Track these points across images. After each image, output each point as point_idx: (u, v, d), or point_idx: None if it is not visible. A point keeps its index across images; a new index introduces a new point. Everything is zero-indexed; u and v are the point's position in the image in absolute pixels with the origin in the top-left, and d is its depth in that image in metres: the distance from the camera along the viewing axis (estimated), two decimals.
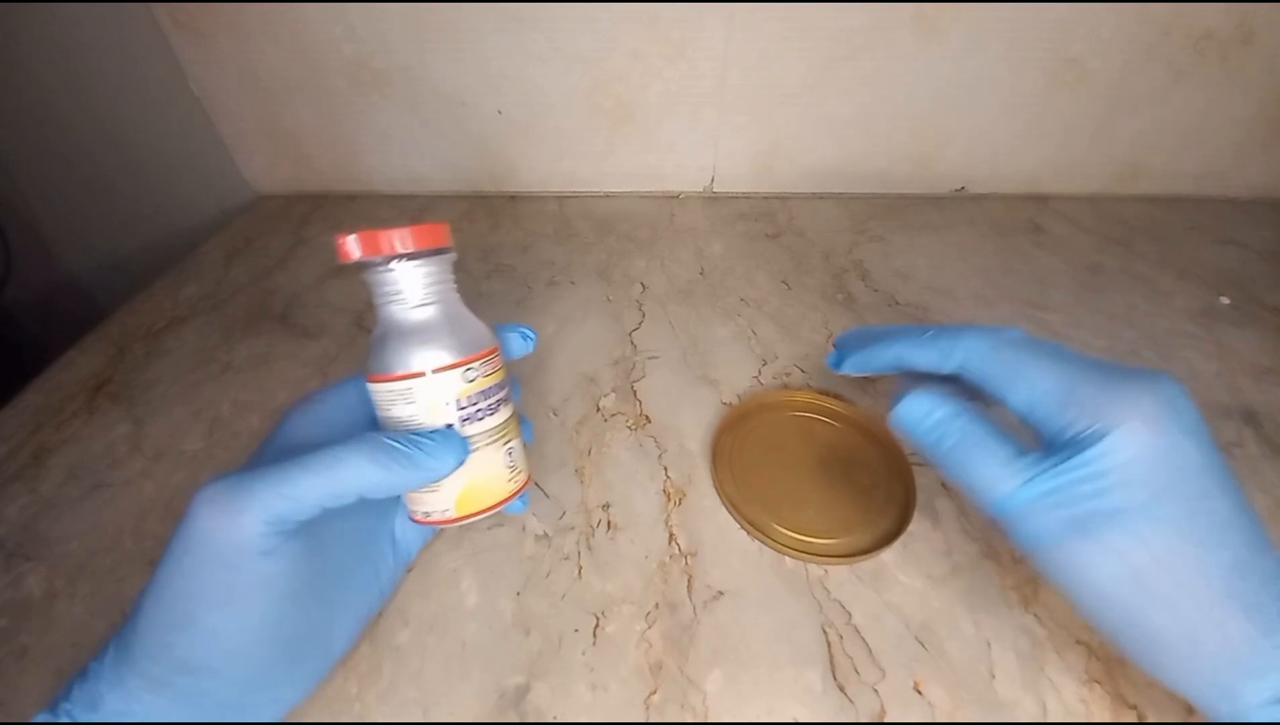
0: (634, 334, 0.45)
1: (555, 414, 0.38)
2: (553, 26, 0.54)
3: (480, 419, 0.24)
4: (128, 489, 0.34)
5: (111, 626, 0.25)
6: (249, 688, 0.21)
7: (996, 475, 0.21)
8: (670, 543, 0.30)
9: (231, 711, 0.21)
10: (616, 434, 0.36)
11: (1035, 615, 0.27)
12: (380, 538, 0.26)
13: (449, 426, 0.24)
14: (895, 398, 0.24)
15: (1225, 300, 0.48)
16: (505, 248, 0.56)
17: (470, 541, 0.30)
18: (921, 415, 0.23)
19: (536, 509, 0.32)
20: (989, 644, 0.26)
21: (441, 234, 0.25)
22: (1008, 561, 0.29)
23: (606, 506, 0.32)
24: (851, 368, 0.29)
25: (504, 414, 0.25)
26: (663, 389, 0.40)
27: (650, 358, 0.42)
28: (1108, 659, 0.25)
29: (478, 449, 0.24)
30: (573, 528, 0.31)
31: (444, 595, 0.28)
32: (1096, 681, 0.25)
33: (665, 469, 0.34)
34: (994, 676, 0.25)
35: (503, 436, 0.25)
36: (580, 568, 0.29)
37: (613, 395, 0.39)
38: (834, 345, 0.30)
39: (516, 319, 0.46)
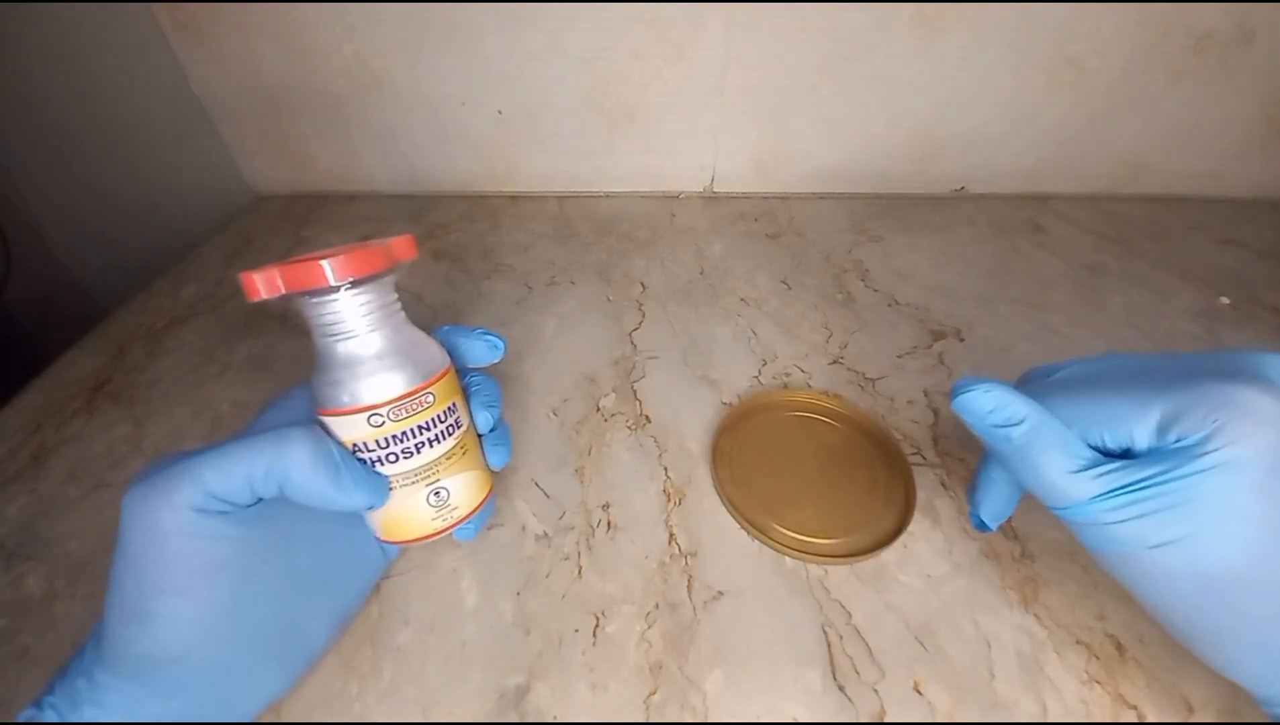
0: (634, 334, 0.45)
1: (555, 414, 0.38)
2: (553, 26, 0.54)
3: (393, 462, 0.23)
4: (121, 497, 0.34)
5: None
6: (221, 677, 0.21)
7: (1062, 486, 0.20)
8: (670, 543, 0.30)
9: (209, 700, 0.21)
10: (616, 434, 0.36)
11: (1035, 615, 0.27)
12: (360, 533, 0.26)
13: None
14: (957, 387, 0.23)
15: (1225, 300, 0.48)
16: (505, 248, 0.56)
17: (470, 541, 0.30)
18: (983, 414, 0.22)
19: (536, 509, 0.32)
20: (989, 644, 0.26)
21: (366, 261, 0.21)
22: (1008, 561, 0.29)
23: (606, 506, 0.32)
24: (998, 519, 0.27)
25: (430, 454, 0.23)
26: (663, 389, 0.40)
27: (650, 358, 0.42)
28: (1108, 659, 0.25)
29: (392, 489, 0.23)
30: (573, 528, 0.31)
31: (444, 595, 0.28)
32: (1096, 681, 0.25)
33: (665, 469, 0.34)
34: (994, 676, 0.25)
35: (426, 477, 0.24)
36: (580, 568, 0.29)
37: (613, 395, 0.39)
38: (973, 517, 0.27)
39: (517, 319, 0.46)
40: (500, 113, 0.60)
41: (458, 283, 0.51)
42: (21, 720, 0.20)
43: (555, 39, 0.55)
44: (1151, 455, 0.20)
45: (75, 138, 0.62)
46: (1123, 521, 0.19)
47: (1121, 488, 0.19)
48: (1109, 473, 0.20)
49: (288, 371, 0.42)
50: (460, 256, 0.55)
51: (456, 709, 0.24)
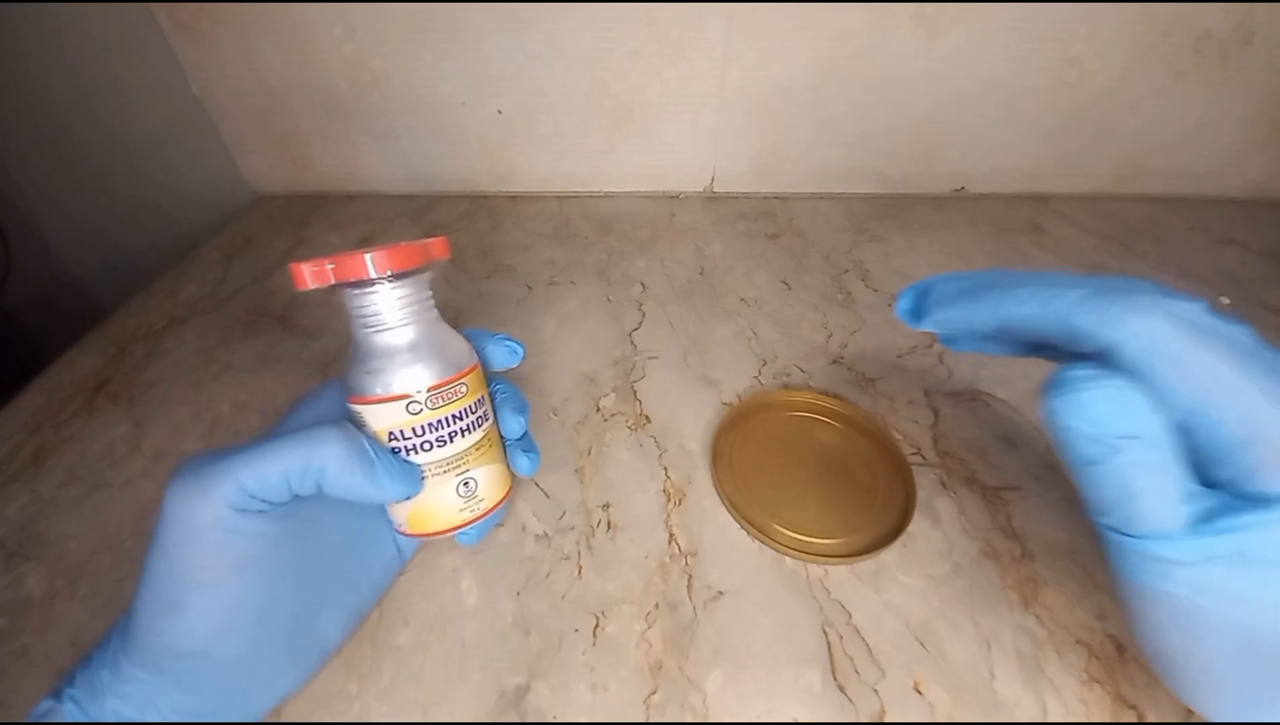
0: (634, 334, 0.45)
1: (555, 414, 0.38)
2: (553, 26, 0.54)
3: (427, 450, 0.24)
4: (128, 489, 0.34)
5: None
6: (240, 672, 0.21)
7: (1160, 514, 0.17)
8: (670, 543, 0.30)
9: (226, 695, 0.21)
10: (616, 434, 0.36)
11: (1035, 615, 0.27)
12: (377, 533, 0.26)
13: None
14: (1063, 380, 0.17)
15: (1225, 300, 0.48)
16: (505, 248, 0.56)
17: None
18: (1102, 420, 0.17)
19: (536, 509, 0.32)
20: (989, 644, 0.26)
21: (405, 256, 0.22)
22: (1008, 561, 0.29)
23: (606, 506, 0.32)
24: (936, 325, 0.23)
25: (462, 443, 0.24)
26: (663, 389, 0.40)
27: (650, 358, 0.42)
28: (1108, 659, 0.25)
29: (424, 478, 0.24)
30: (573, 528, 0.31)
31: (444, 595, 0.28)
32: (1096, 681, 0.25)
33: (665, 469, 0.34)
34: (994, 676, 0.25)
35: (456, 467, 0.24)
36: (580, 568, 0.29)
37: (613, 395, 0.39)
38: (906, 297, 0.24)
39: (517, 319, 0.46)
40: (500, 113, 0.60)
41: (458, 283, 0.51)
42: (39, 711, 0.20)
43: (555, 39, 0.55)
44: (1238, 493, 0.16)
45: (75, 138, 0.62)
46: (1201, 563, 0.16)
47: (1220, 527, 0.16)
48: (1213, 507, 0.16)
49: (288, 371, 0.42)
50: (460, 256, 0.55)
51: (456, 709, 0.24)
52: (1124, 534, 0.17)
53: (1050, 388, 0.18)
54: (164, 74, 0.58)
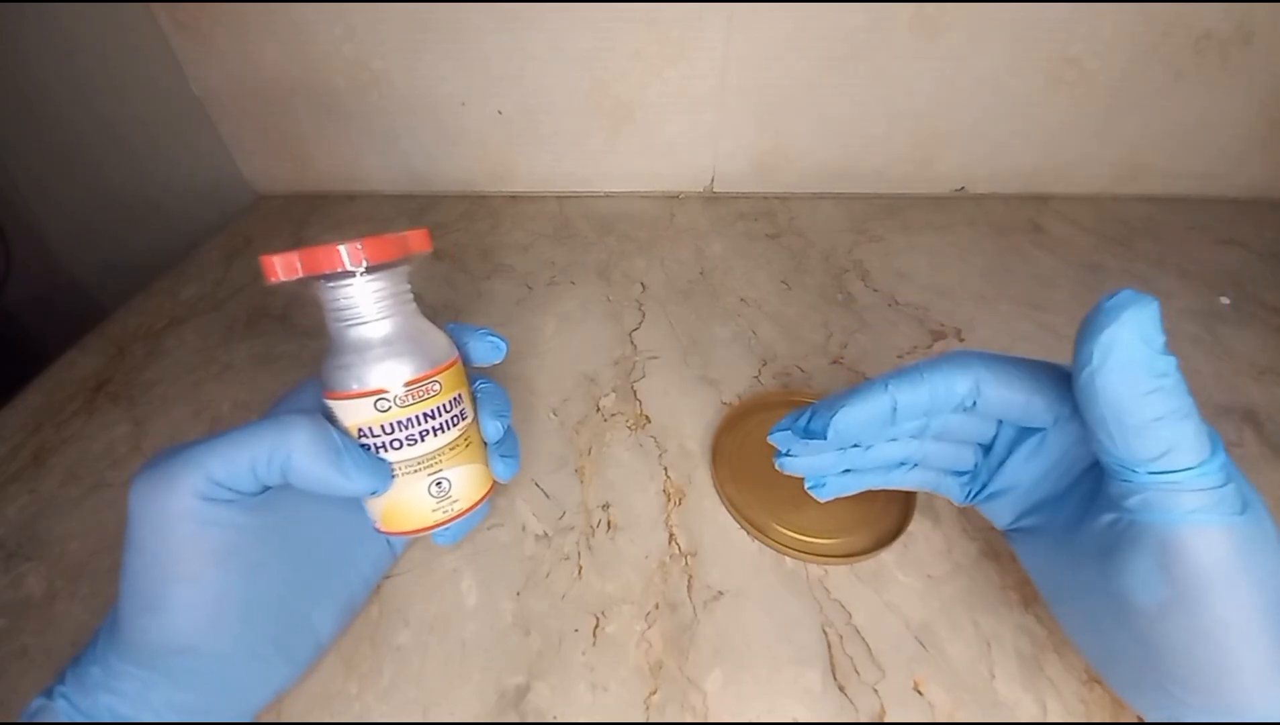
0: (634, 334, 0.45)
1: (555, 414, 0.38)
2: (553, 26, 0.54)
3: (397, 448, 0.23)
4: (128, 489, 0.34)
5: None
6: (231, 667, 0.21)
7: (1202, 442, 0.19)
8: (670, 543, 0.30)
9: (219, 690, 0.21)
10: (616, 434, 0.36)
11: (1035, 615, 0.27)
12: (365, 526, 0.26)
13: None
14: (1119, 299, 0.19)
15: (1225, 300, 0.48)
16: (505, 248, 0.56)
17: (470, 541, 0.30)
18: (1146, 339, 0.19)
19: (536, 509, 0.32)
20: (989, 644, 0.26)
21: (379, 248, 0.22)
22: (1007, 561, 0.29)
23: (606, 506, 0.32)
24: (833, 433, 0.24)
25: (434, 443, 0.23)
26: (663, 389, 0.40)
27: (650, 358, 0.42)
28: None
29: (394, 476, 0.23)
30: (573, 528, 0.31)
31: (444, 595, 0.28)
32: (1096, 681, 0.25)
33: (665, 469, 0.34)
34: (994, 676, 0.25)
35: (428, 467, 0.24)
36: (580, 568, 0.29)
37: (613, 395, 0.39)
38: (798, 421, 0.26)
39: (517, 319, 0.46)
40: (500, 113, 0.60)
41: (458, 283, 0.51)
42: (31, 709, 0.20)
43: (555, 39, 0.55)
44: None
45: (75, 138, 0.62)
46: (1229, 482, 0.18)
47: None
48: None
49: (288, 371, 0.42)
50: (460, 256, 0.55)
51: (456, 709, 0.24)
52: (1177, 472, 0.18)
53: (1110, 309, 0.19)
54: (164, 74, 0.57)
